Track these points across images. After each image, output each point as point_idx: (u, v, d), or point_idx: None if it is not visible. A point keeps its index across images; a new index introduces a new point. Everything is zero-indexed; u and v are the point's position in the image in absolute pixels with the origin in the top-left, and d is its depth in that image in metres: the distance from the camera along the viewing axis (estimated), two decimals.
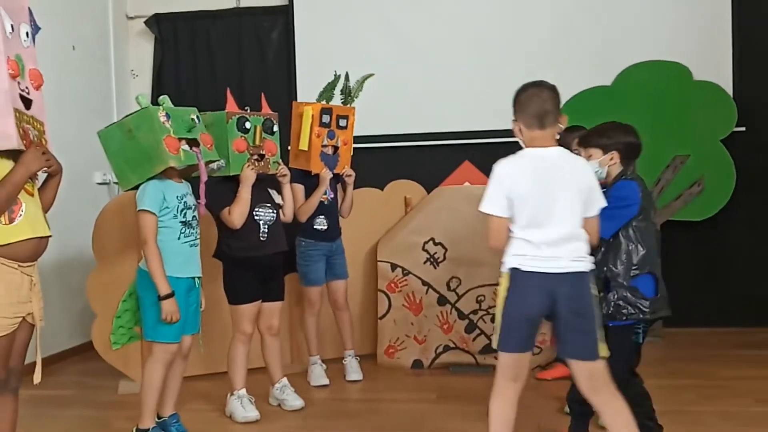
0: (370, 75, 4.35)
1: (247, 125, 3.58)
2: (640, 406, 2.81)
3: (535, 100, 2.59)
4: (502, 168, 2.58)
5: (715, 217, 5.34)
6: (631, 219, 2.81)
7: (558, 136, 2.63)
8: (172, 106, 3.19)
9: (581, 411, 2.99)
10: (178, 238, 3.16)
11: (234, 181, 3.56)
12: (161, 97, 3.19)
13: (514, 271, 2.55)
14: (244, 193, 3.54)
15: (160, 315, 3.07)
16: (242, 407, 3.62)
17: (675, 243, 5.40)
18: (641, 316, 2.78)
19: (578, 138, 3.17)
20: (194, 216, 3.25)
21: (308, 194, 4.12)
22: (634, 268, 2.79)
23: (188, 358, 3.37)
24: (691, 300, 5.42)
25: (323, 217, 4.21)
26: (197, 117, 3.24)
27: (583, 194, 2.55)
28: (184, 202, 3.19)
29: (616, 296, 2.79)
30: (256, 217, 3.62)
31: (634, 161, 2.96)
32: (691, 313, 5.39)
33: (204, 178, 3.24)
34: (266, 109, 3.75)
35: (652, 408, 2.90)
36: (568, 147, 2.98)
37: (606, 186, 2.88)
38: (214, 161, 3.38)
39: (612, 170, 2.92)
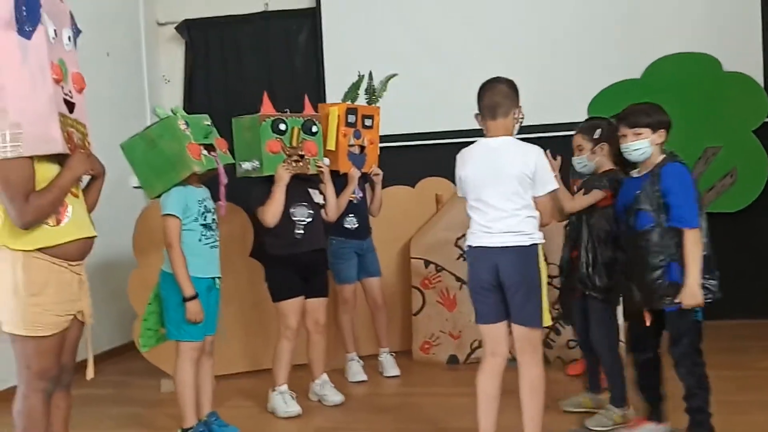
0: (394, 75, 4.41)
1: (282, 127, 3.64)
2: (702, 388, 2.89)
3: (488, 93, 2.88)
4: (459, 154, 2.95)
5: (748, 207, 5.31)
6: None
7: (516, 128, 2.89)
8: (186, 114, 3.26)
9: (654, 397, 3.06)
10: (200, 240, 3.24)
11: (273, 182, 3.63)
12: (174, 107, 3.26)
13: (469, 248, 2.89)
14: (277, 193, 3.60)
15: (185, 315, 3.15)
16: (284, 402, 3.68)
17: (709, 235, 5.36)
18: (712, 297, 2.86)
19: (619, 121, 3.18)
20: (214, 219, 3.32)
21: (337, 194, 4.17)
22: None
23: (214, 357, 3.41)
24: (727, 292, 5.30)
25: (353, 215, 4.26)
26: (210, 123, 3.32)
27: (525, 179, 2.78)
28: (204, 205, 3.27)
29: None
30: (292, 216, 3.68)
31: None
32: (726, 305, 5.27)
33: (224, 180, 3.31)
34: (309, 110, 3.81)
35: (708, 398, 2.91)
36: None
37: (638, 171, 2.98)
38: (231, 163, 3.45)
39: (656, 150, 2.96)
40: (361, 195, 4.32)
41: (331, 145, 4.12)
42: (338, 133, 4.12)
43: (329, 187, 3.84)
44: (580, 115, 5.39)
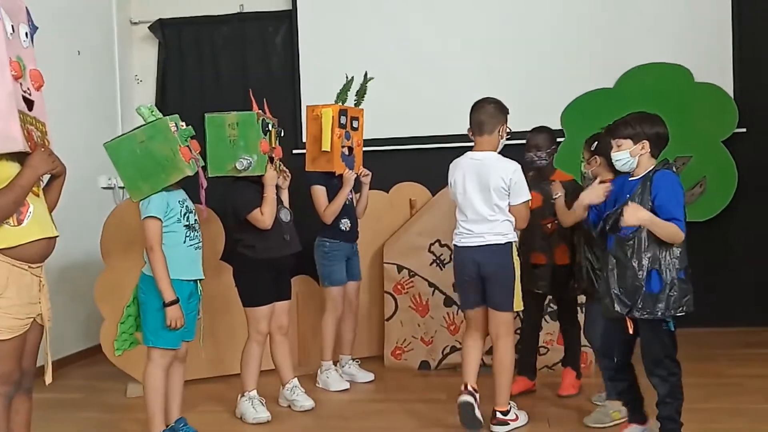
0: (371, 78, 4.40)
1: (269, 127, 3.61)
2: (674, 397, 2.88)
3: (476, 113, 3.35)
4: (452, 163, 3.47)
5: (717, 217, 5.37)
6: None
7: (501, 143, 3.36)
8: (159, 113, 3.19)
9: (632, 399, 3.07)
10: (184, 242, 3.18)
11: (255, 183, 3.58)
12: (150, 106, 3.15)
13: (455, 246, 3.43)
14: (272, 194, 3.58)
15: (164, 321, 3.08)
16: (253, 408, 3.63)
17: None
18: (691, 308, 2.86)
19: (605, 130, 3.18)
20: (195, 219, 3.27)
21: (333, 196, 4.15)
22: (682, 260, 2.84)
23: (186, 362, 3.36)
24: (696, 300, 5.39)
25: (346, 218, 4.25)
26: (185, 124, 3.25)
27: (502, 191, 3.27)
28: (186, 206, 3.22)
29: (668, 289, 2.81)
30: (280, 219, 3.66)
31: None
32: (694, 314, 5.37)
33: (204, 184, 3.27)
34: (268, 114, 3.78)
35: (680, 408, 2.92)
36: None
37: (631, 176, 2.96)
38: (202, 165, 3.36)
39: (642, 160, 2.93)
40: (350, 197, 4.31)
41: (326, 146, 4.10)
42: (332, 134, 4.10)
43: (286, 192, 3.82)
44: (553, 124, 5.44)
